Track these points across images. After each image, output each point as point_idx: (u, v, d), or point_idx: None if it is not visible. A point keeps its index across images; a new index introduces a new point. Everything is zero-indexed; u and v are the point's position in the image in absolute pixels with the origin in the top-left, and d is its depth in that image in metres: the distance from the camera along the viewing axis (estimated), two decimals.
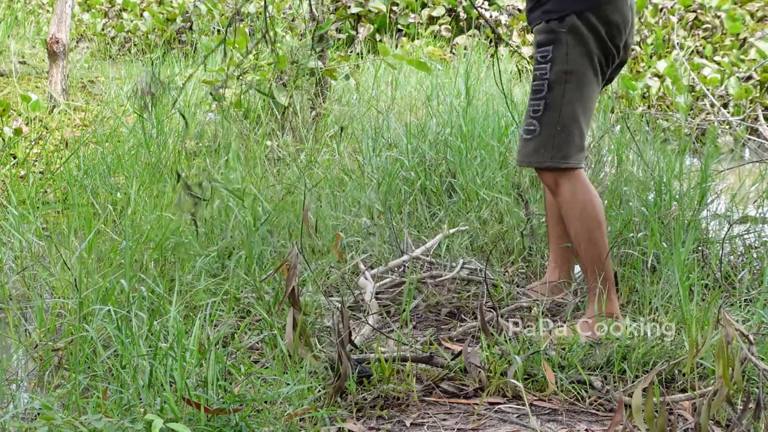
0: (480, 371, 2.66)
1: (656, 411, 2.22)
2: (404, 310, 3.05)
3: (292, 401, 2.41)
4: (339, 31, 9.41)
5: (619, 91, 7.20)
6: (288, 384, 2.44)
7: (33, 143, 5.35)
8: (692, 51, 8.27)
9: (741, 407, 2.37)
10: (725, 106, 7.21)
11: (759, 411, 2.29)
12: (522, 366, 2.65)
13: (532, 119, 3.04)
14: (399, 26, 9.60)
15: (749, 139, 6.55)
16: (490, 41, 9.44)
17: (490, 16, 9.53)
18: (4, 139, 5.22)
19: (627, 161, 4.65)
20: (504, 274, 3.61)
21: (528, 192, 4.25)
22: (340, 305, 2.77)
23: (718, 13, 8.66)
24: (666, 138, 5.95)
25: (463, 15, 9.60)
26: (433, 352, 2.76)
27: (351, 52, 8.96)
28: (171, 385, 2.34)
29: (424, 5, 9.76)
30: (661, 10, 8.81)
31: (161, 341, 2.62)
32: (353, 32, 9.55)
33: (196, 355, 2.51)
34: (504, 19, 9.49)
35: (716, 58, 7.77)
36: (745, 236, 3.86)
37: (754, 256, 3.72)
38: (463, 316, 3.30)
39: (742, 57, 7.65)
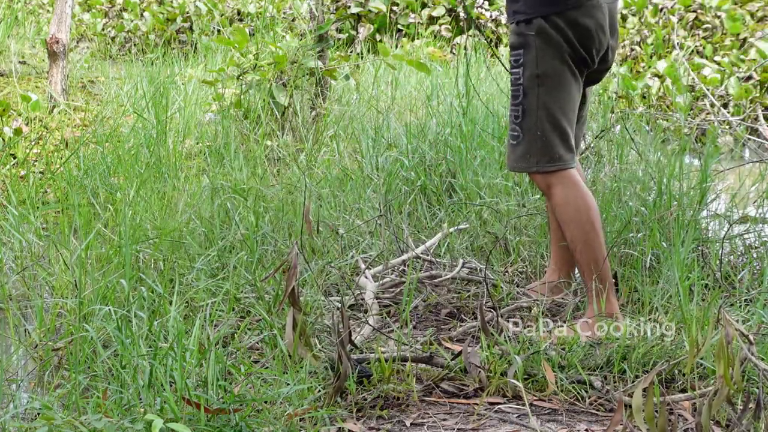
0: (480, 371, 2.66)
1: (656, 411, 2.22)
2: (404, 310, 3.05)
3: (292, 401, 2.41)
4: (339, 31, 9.41)
5: (619, 91, 7.20)
6: (288, 384, 2.44)
7: (33, 143, 5.35)
8: (692, 51, 8.27)
9: (741, 407, 2.37)
10: (725, 106, 7.21)
11: (759, 411, 2.29)
12: (522, 366, 2.65)
13: (514, 125, 3.05)
14: (399, 26, 9.60)
15: (749, 139, 6.55)
16: (490, 41, 9.43)
17: (490, 16, 9.53)
18: (4, 139, 5.22)
19: (627, 161, 4.65)
20: (504, 274, 3.61)
21: (528, 192, 4.25)
22: (340, 305, 2.77)
23: (718, 13, 8.66)
24: (666, 138, 5.95)
25: (463, 15, 9.60)
26: (433, 352, 2.76)
27: (351, 52, 8.96)
28: (171, 385, 2.34)
29: (424, 5, 9.76)
30: (661, 10, 8.81)
31: (161, 341, 2.62)
32: (353, 32, 9.56)
33: (196, 355, 2.51)
34: (504, 19, 9.48)
35: (716, 58, 7.78)
36: (745, 236, 3.86)
37: (754, 256, 3.72)
38: (463, 316, 3.30)
39: (742, 57, 7.65)
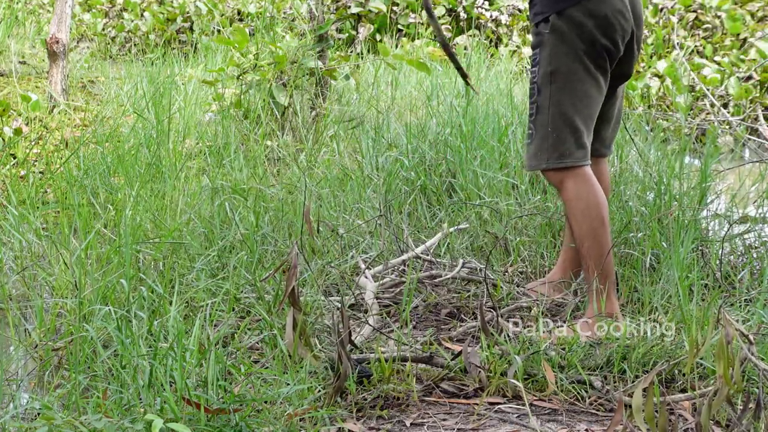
0: (480, 371, 2.66)
1: (656, 411, 2.22)
2: (404, 310, 3.05)
3: (292, 401, 2.41)
4: (339, 31, 9.41)
5: None
6: (288, 384, 2.44)
7: (33, 143, 5.35)
8: (692, 51, 8.27)
9: (741, 407, 2.37)
10: (725, 106, 7.21)
11: (759, 411, 2.29)
12: (522, 366, 2.65)
13: (529, 123, 3.08)
14: (399, 26, 9.60)
15: (749, 139, 6.55)
16: (491, 41, 9.44)
17: (491, 16, 9.53)
18: (4, 139, 5.22)
19: (627, 161, 4.65)
20: (504, 274, 3.61)
21: (528, 192, 4.25)
22: (340, 305, 2.77)
23: (719, 13, 8.66)
24: (666, 138, 5.95)
25: (463, 15, 9.60)
26: (433, 352, 2.76)
27: (351, 52, 8.96)
28: (171, 385, 2.34)
29: None
30: (662, 10, 8.81)
31: (161, 341, 2.62)
32: (353, 32, 9.56)
33: (196, 355, 2.51)
34: (504, 18, 9.49)
35: (716, 58, 7.78)
36: (745, 236, 3.86)
37: (754, 256, 3.73)
38: (463, 316, 3.30)
39: (742, 57, 7.65)
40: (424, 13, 9.57)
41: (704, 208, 4.08)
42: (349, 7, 9.47)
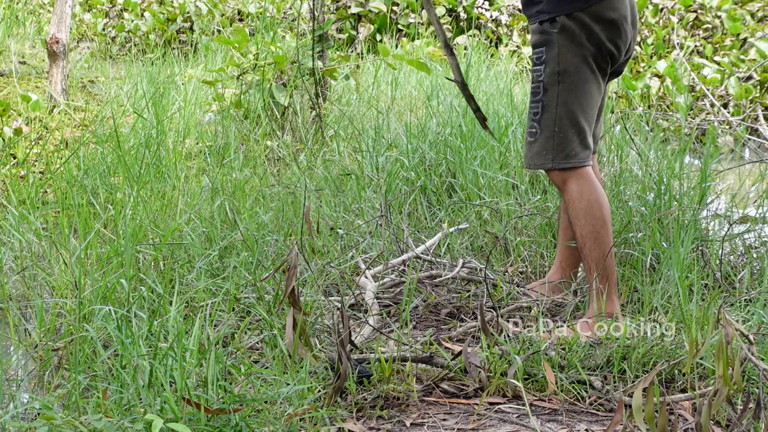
0: (480, 371, 2.66)
1: (656, 411, 2.22)
2: (404, 310, 3.05)
3: (292, 401, 2.41)
4: (339, 31, 9.41)
5: (619, 91, 7.20)
6: (288, 384, 2.44)
7: (33, 143, 5.35)
8: (692, 51, 8.27)
9: (741, 407, 2.37)
10: (725, 106, 7.21)
11: (759, 411, 2.29)
12: (522, 366, 2.65)
13: (532, 122, 3.07)
14: (399, 26, 9.60)
15: (749, 139, 6.55)
16: (491, 41, 9.44)
17: (491, 16, 9.53)
18: (4, 139, 5.22)
19: (627, 161, 4.65)
20: (504, 274, 3.61)
21: (528, 192, 4.25)
22: (340, 305, 2.77)
23: (719, 13, 8.66)
24: (666, 138, 5.95)
25: (463, 15, 9.60)
26: (433, 352, 2.76)
27: (351, 52, 8.96)
28: (171, 385, 2.34)
29: None
30: (662, 10, 8.81)
31: (161, 341, 2.62)
32: (353, 32, 9.56)
33: (196, 355, 2.51)
34: (504, 18, 9.49)
35: (716, 58, 7.78)
36: (745, 236, 3.86)
37: (754, 256, 3.73)
38: (463, 316, 3.30)
39: (742, 57, 7.65)
40: (424, 12, 9.57)
41: (704, 208, 4.08)
42: (349, 7, 9.47)
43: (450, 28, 9.62)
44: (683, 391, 2.70)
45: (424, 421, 2.53)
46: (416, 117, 5.75)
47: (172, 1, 10.18)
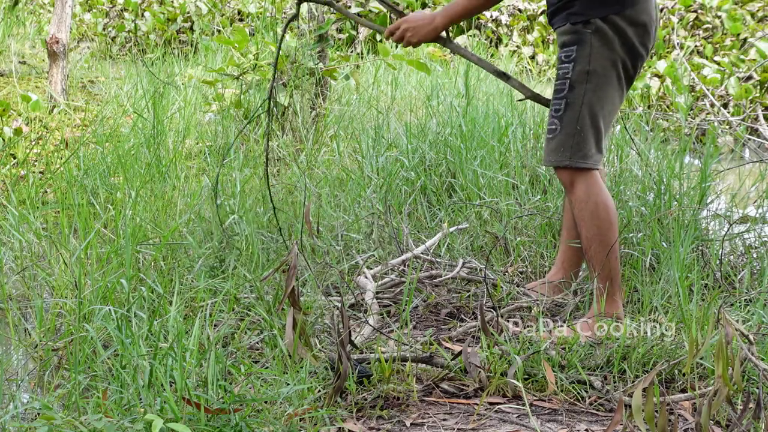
0: (480, 371, 2.66)
1: (656, 411, 2.22)
2: (404, 310, 3.05)
3: (292, 401, 2.41)
4: (339, 31, 9.41)
5: None
6: (288, 384, 2.44)
7: (33, 143, 5.35)
8: (692, 51, 8.27)
9: (741, 407, 2.37)
10: (725, 106, 7.21)
11: (759, 411, 2.29)
12: (522, 366, 2.65)
13: (553, 118, 3.05)
14: None
15: (749, 139, 6.55)
16: (491, 41, 9.44)
17: (491, 16, 9.52)
18: (4, 139, 5.22)
19: (627, 161, 4.65)
20: (504, 274, 3.61)
21: (528, 192, 4.25)
22: (340, 305, 2.77)
23: (719, 14, 8.66)
24: (666, 138, 5.95)
25: None
26: (433, 352, 2.76)
27: (351, 52, 8.96)
28: (171, 385, 2.34)
29: (424, 5, 9.76)
30: (662, 10, 8.81)
31: (161, 341, 2.62)
32: (353, 32, 9.55)
33: (196, 355, 2.51)
34: (504, 18, 9.49)
35: (716, 58, 7.78)
36: (745, 236, 3.86)
37: (754, 256, 3.73)
38: (463, 316, 3.30)
39: (742, 57, 7.65)
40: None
41: (704, 208, 4.08)
42: (350, 7, 9.47)
43: (450, 27, 9.62)
44: (683, 391, 2.70)
45: (424, 421, 2.53)
46: (416, 117, 5.75)
47: (172, 1, 10.18)
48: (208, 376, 2.35)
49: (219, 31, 9.48)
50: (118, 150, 4.80)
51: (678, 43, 8.17)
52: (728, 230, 3.83)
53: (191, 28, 9.84)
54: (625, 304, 3.25)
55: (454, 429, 2.50)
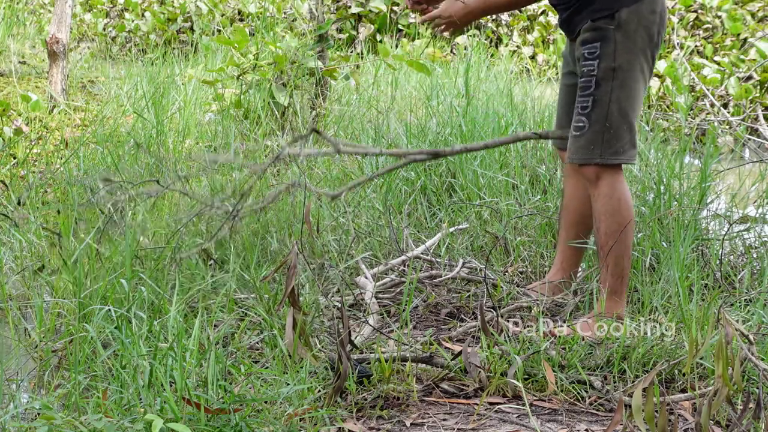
0: (480, 371, 2.66)
1: (656, 411, 2.22)
2: (404, 310, 3.05)
3: (292, 401, 2.41)
4: (339, 31, 9.41)
5: None
6: (288, 384, 2.44)
7: (33, 143, 5.35)
8: (692, 51, 8.27)
9: (741, 407, 2.37)
10: (725, 106, 7.21)
11: (759, 411, 2.29)
12: (522, 366, 2.65)
13: (580, 116, 3.04)
14: (399, 26, 9.60)
15: (749, 139, 6.55)
16: (491, 41, 9.43)
17: (491, 17, 9.52)
18: (4, 139, 5.21)
19: None
20: (504, 274, 3.61)
21: (528, 192, 4.25)
22: (340, 305, 2.77)
23: (719, 14, 8.66)
24: (666, 138, 5.95)
25: None
26: (433, 352, 2.76)
27: (351, 52, 8.96)
28: (171, 385, 2.34)
29: None
30: None
31: (161, 341, 2.62)
32: (353, 32, 9.55)
33: (196, 355, 2.51)
34: (504, 18, 9.48)
35: (716, 58, 7.78)
36: (745, 236, 3.86)
37: (754, 256, 3.72)
38: (463, 316, 3.30)
39: (742, 57, 7.65)
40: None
41: (704, 208, 4.08)
42: (350, 7, 9.47)
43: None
44: (683, 391, 2.70)
45: (424, 421, 2.53)
46: (416, 117, 5.75)
47: (172, 1, 10.18)
48: (208, 376, 2.35)
49: (219, 31, 9.48)
50: (118, 150, 4.80)
51: (678, 43, 8.17)
52: (728, 230, 3.83)
53: (191, 28, 9.84)
54: (625, 304, 3.25)
55: (454, 429, 2.50)
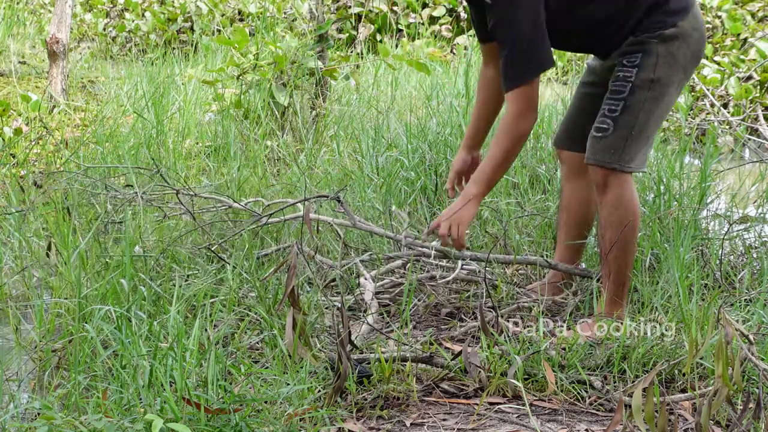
0: (480, 371, 2.66)
1: (656, 411, 2.22)
2: (404, 310, 3.05)
3: (292, 401, 2.41)
4: (339, 31, 9.41)
5: None
6: (288, 384, 2.44)
7: (33, 143, 5.35)
8: None
9: (741, 407, 2.37)
10: (725, 106, 7.21)
11: (759, 411, 2.29)
12: (522, 366, 2.65)
13: (606, 118, 3.02)
14: (399, 26, 9.60)
15: (749, 139, 6.55)
16: None
17: None
18: (4, 139, 5.21)
19: None
20: (504, 274, 3.61)
21: (528, 192, 4.25)
22: (339, 305, 2.77)
23: (719, 14, 8.66)
24: (666, 138, 5.95)
25: (463, 15, 9.60)
26: (433, 352, 2.76)
27: (351, 52, 8.96)
28: (171, 385, 2.34)
29: (425, 5, 9.77)
30: None
31: (161, 341, 2.62)
32: (353, 32, 9.56)
33: (196, 355, 2.51)
34: None
35: (716, 58, 7.78)
36: (745, 236, 3.86)
37: (754, 256, 3.72)
38: (463, 316, 3.30)
39: (742, 57, 7.65)
40: (424, 12, 9.57)
41: (704, 208, 4.08)
42: (350, 7, 9.47)
43: (450, 28, 9.62)
44: (683, 391, 2.70)
45: (424, 421, 2.53)
46: (416, 117, 5.74)
47: (172, 1, 10.18)
48: (208, 376, 2.35)
49: (219, 31, 9.48)
50: (118, 150, 4.80)
51: None
52: (728, 230, 3.83)
53: (191, 28, 9.84)
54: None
55: (454, 429, 2.50)
